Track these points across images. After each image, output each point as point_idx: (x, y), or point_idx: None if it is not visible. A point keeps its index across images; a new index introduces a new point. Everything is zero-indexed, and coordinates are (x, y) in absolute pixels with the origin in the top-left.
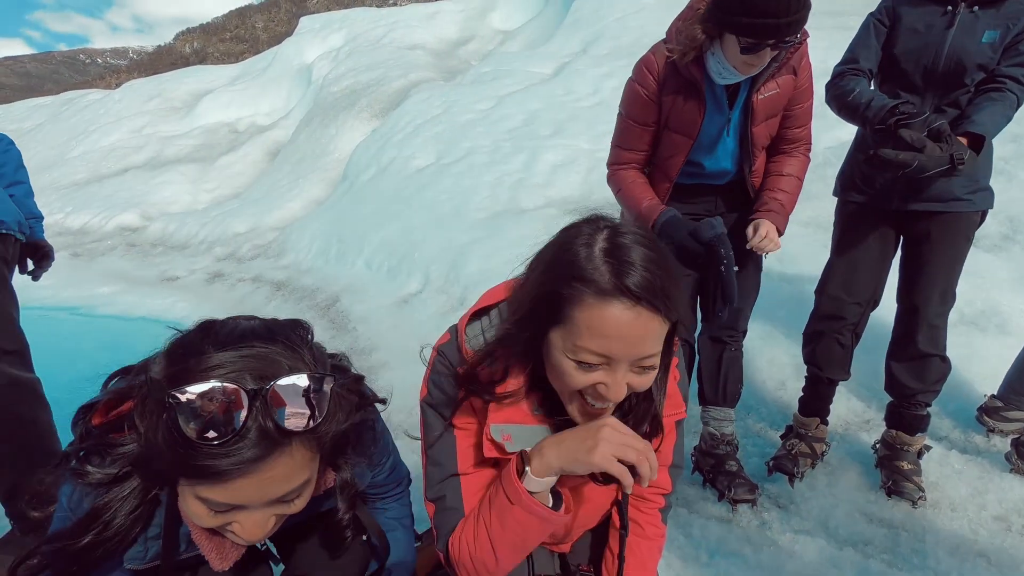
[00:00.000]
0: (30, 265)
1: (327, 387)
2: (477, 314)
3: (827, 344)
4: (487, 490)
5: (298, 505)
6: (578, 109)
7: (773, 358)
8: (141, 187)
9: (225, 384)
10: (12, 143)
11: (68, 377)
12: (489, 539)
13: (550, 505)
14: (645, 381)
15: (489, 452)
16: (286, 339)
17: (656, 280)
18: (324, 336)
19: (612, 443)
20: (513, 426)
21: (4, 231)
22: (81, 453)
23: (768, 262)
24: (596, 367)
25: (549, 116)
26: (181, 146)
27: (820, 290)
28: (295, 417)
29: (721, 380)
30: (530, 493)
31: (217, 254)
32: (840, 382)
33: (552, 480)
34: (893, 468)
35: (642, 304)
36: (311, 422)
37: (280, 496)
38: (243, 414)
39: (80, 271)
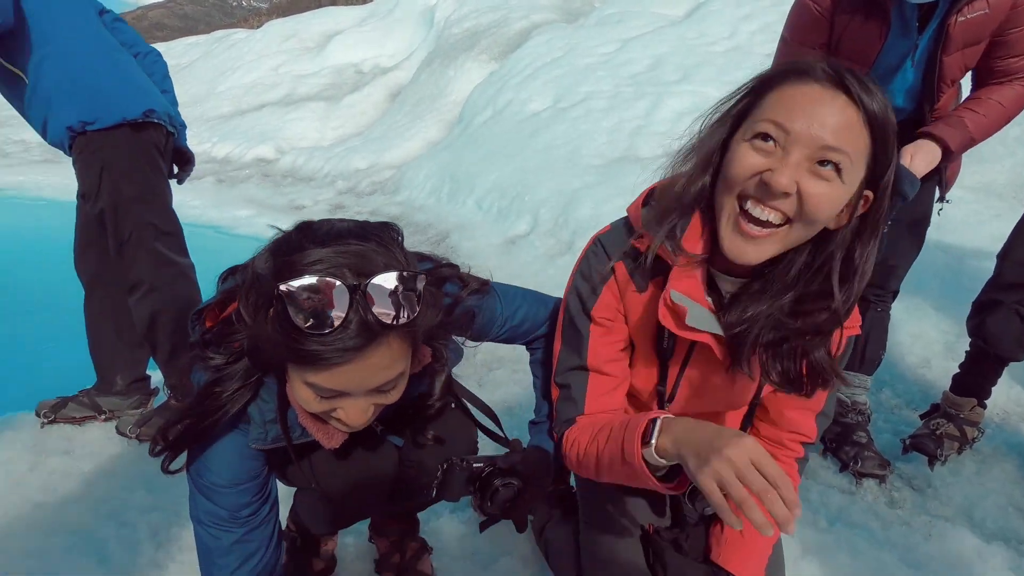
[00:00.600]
0: (174, 169)
1: (420, 284)
2: (648, 199)
3: (1004, 316)
4: (613, 396)
5: (394, 396)
6: (710, 54)
7: (919, 333)
8: (276, 122)
9: (328, 278)
10: (160, 55)
11: (209, 284)
12: (596, 463)
13: (661, 473)
14: (819, 194)
15: (665, 319)
16: (379, 238)
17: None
18: None
19: (732, 463)
20: (691, 301)
21: (156, 120)
22: (203, 343)
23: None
24: (768, 143)
25: (676, 61)
26: (311, 85)
27: (1004, 254)
28: (390, 312)
29: (861, 341)
30: (645, 462)
31: (339, 187)
32: (1008, 363)
33: (668, 464)
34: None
35: (841, 91)
36: (405, 317)
37: (378, 385)
38: (345, 307)
39: (223, 195)
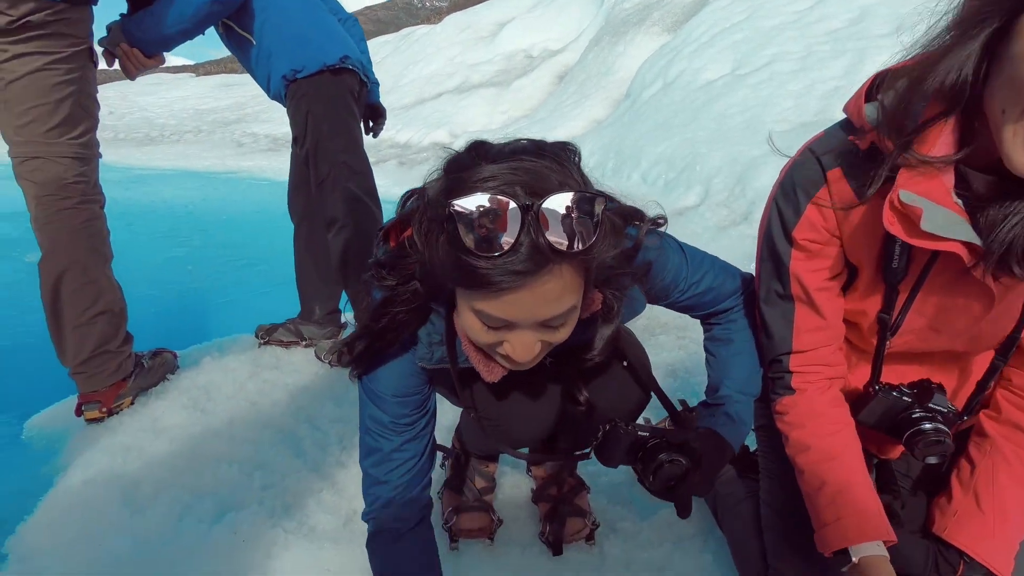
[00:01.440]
0: (368, 123)
1: (598, 208)
2: (873, 89)
3: None
4: (824, 334)
5: (563, 334)
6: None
7: None
8: (450, 109)
9: (499, 197)
10: (357, 21)
11: None
12: (802, 479)
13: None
14: None
15: (892, 225)
16: (555, 156)
17: None
18: None
19: None
20: (929, 202)
21: (350, 66)
22: (379, 264)
23: None
24: None
25: (888, 11)
26: (484, 72)
27: None
28: (565, 236)
29: None
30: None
31: None
32: None
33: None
34: None
35: None
36: (579, 244)
37: (548, 318)
38: (516, 228)
39: (404, 175)
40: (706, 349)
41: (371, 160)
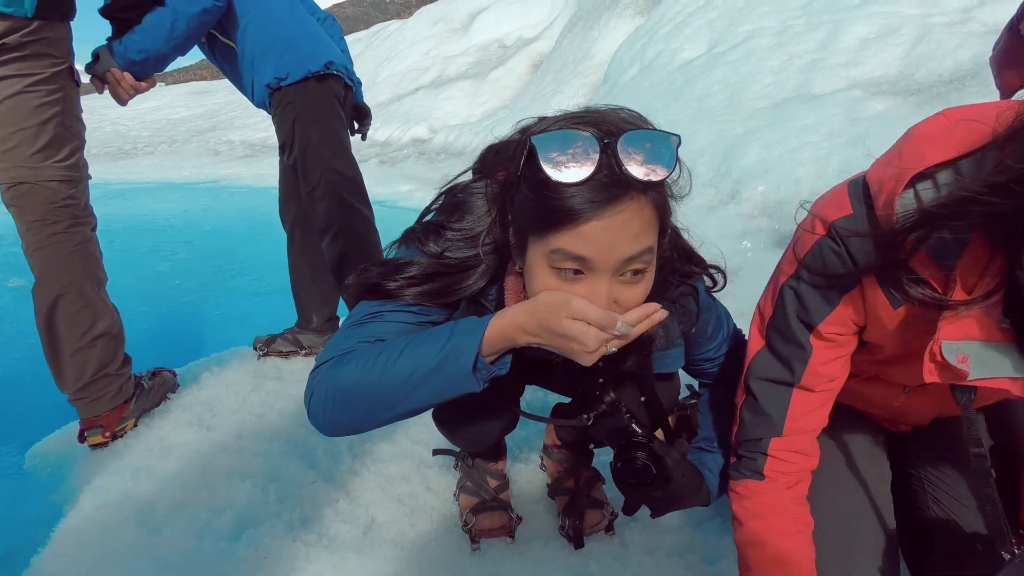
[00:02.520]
0: (354, 124)
1: (673, 143)
2: (918, 178)
3: None
4: (818, 414)
5: (638, 292)
6: None
7: None
8: (428, 104)
9: (578, 130)
10: (335, 20)
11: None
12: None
13: None
14: None
15: (931, 375)
16: (632, 114)
17: None
18: None
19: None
20: (975, 344)
21: (335, 71)
22: (422, 230)
23: None
24: None
25: None
26: (459, 64)
27: None
28: (643, 167)
29: None
30: None
31: None
32: None
33: None
34: None
35: None
36: (657, 175)
37: (627, 256)
38: (596, 158)
39: (386, 173)
40: (705, 409)
41: None
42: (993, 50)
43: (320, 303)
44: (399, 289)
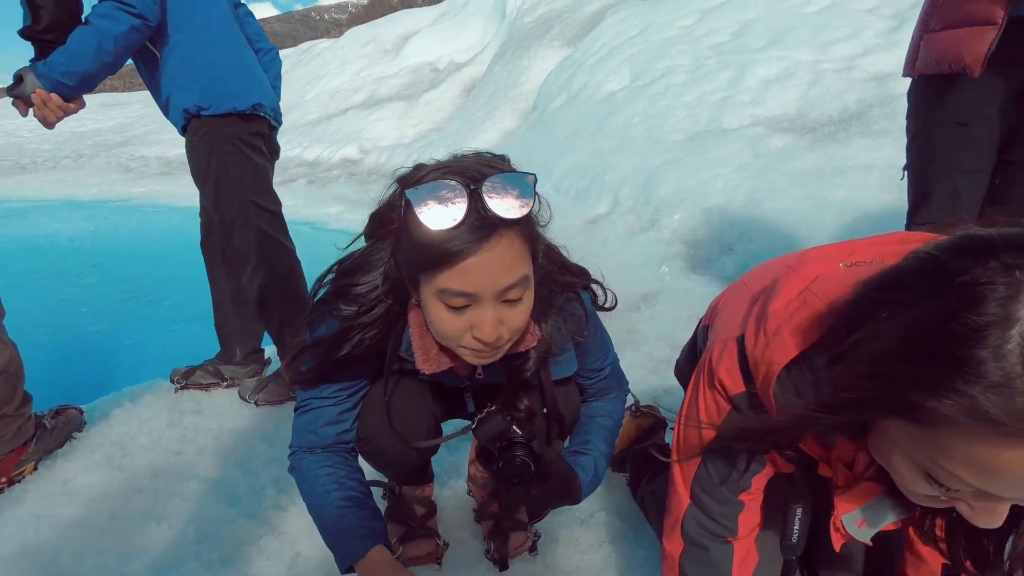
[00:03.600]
0: None
1: (530, 181)
2: (791, 365)
3: None
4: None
5: (520, 313)
6: (803, 16)
7: None
8: (359, 124)
9: (446, 180)
10: (278, 54)
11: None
12: None
13: None
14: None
15: (839, 543)
16: (493, 158)
17: None
18: None
19: None
20: (869, 507)
21: (262, 113)
22: (332, 297)
23: None
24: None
25: (765, 25)
26: (391, 86)
27: None
28: (506, 204)
29: None
30: None
31: None
32: None
33: None
34: None
35: None
36: (520, 209)
37: (504, 286)
38: (464, 204)
39: (315, 194)
40: (586, 412)
41: (279, 180)
42: None
43: (244, 336)
44: (315, 381)
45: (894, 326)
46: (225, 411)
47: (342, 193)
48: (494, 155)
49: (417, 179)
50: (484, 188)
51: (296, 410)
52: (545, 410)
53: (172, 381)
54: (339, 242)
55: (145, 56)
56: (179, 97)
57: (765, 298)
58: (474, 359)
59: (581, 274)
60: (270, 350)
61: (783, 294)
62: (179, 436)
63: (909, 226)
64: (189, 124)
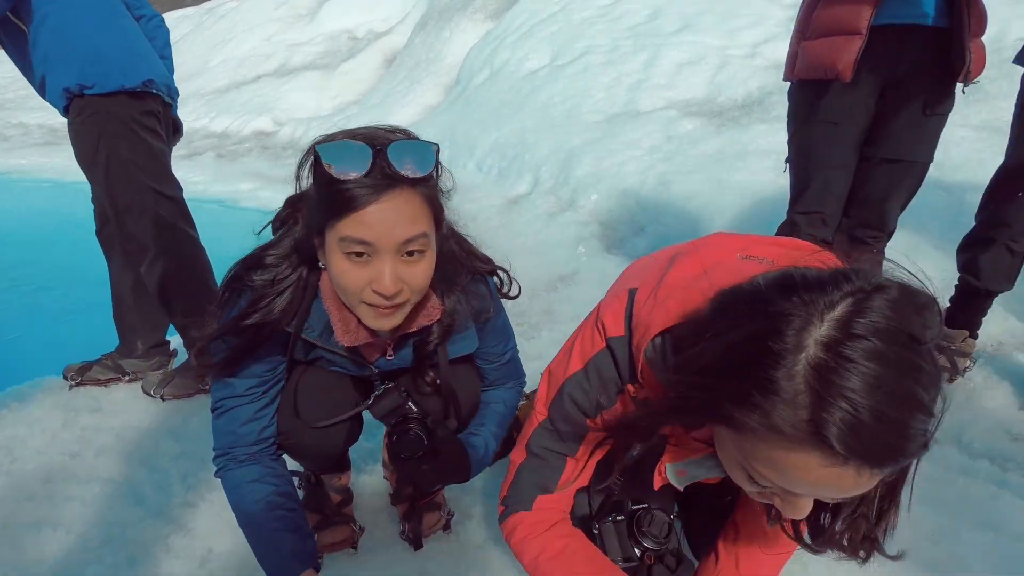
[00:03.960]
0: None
1: (433, 149)
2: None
3: (995, 252)
4: (582, 477)
5: (421, 272)
6: (711, 1)
7: (918, 272)
8: (272, 94)
9: (353, 139)
10: (163, 21)
11: (223, 255)
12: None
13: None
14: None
15: (658, 484)
16: (401, 130)
17: (884, 434)
18: None
19: None
20: (691, 461)
21: (154, 91)
22: (244, 270)
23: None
24: (769, 488)
25: (676, 10)
26: (306, 53)
27: (990, 195)
28: (409, 164)
29: None
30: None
31: None
32: (998, 295)
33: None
34: None
35: (851, 464)
36: (421, 170)
37: (404, 239)
38: (368, 159)
39: (225, 169)
40: (485, 399)
41: (184, 153)
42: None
43: (146, 328)
44: (227, 367)
45: (718, 345)
46: (127, 408)
47: (255, 168)
48: (404, 129)
49: (326, 140)
50: (389, 149)
51: (213, 412)
52: (439, 382)
53: (65, 378)
54: (252, 221)
55: (10, 31)
56: (56, 76)
57: (666, 268)
58: (376, 321)
59: (487, 261)
60: (176, 341)
61: (681, 268)
62: (76, 437)
63: (790, 213)
64: (71, 105)
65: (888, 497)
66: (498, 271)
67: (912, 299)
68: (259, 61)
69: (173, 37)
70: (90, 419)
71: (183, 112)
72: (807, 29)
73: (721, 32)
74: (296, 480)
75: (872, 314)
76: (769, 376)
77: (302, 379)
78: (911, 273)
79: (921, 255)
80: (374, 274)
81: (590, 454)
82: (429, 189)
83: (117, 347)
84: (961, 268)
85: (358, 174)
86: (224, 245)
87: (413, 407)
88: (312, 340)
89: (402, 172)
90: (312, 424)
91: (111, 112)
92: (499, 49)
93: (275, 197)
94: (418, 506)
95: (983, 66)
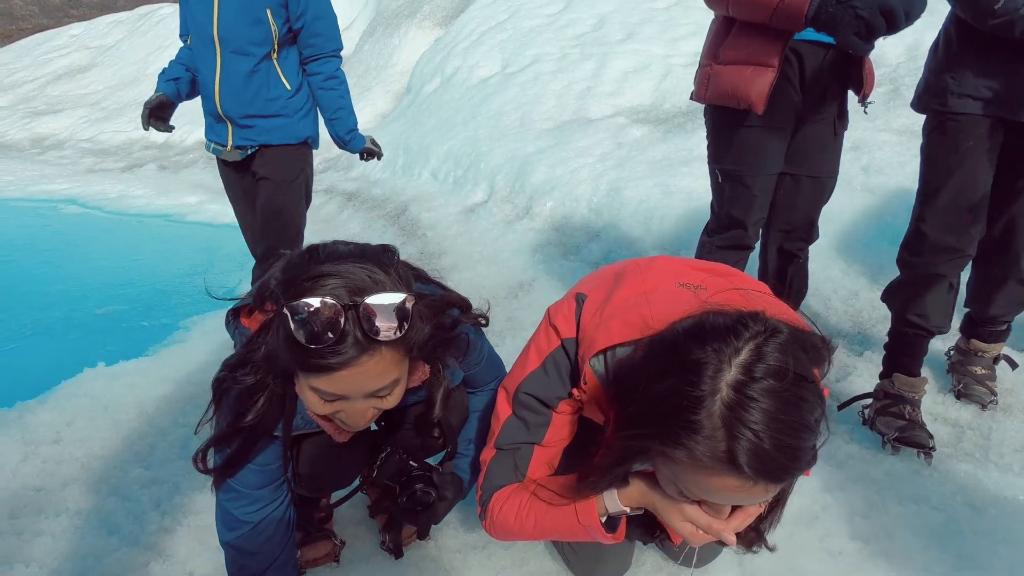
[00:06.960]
0: None
1: (408, 305)
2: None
3: (942, 292)
4: (553, 462)
5: (391, 401)
6: (653, 11)
7: (847, 267)
8: None
9: (326, 299)
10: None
11: (169, 273)
12: (534, 528)
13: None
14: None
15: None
16: (377, 261)
17: (781, 457)
18: (396, 242)
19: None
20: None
21: None
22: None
23: (851, 172)
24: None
25: (620, 19)
26: None
27: (920, 216)
28: (382, 327)
29: (785, 290)
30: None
31: None
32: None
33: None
34: (965, 372)
35: (760, 482)
36: (396, 333)
37: (374, 391)
38: (340, 324)
39: (168, 182)
40: (472, 408)
41: (124, 165)
42: None
43: None
44: (231, 468)
45: (649, 398)
46: (89, 436)
47: (200, 180)
48: (382, 253)
49: (298, 282)
50: (362, 310)
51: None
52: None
53: None
54: (199, 235)
55: None
56: None
57: (612, 286)
58: (342, 433)
59: (465, 308)
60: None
61: (627, 288)
62: (38, 470)
63: (741, 227)
64: None
65: (777, 500)
66: (479, 319)
67: (800, 341)
68: None
69: (106, 43)
70: (51, 450)
71: (123, 120)
72: (719, 52)
73: (663, 41)
74: None
75: (768, 359)
76: (692, 419)
77: (302, 453)
78: (806, 316)
79: (851, 253)
80: (344, 410)
81: (558, 438)
82: (404, 341)
83: None
84: (901, 309)
85: (329, 344)
86: (172, 262)
87: (414, 464)
88: (304, 431)
89: (377, 338)
90: (332, 504)
91: None
92: (449, 56)
93: (223, 210)
94: (397, 516)
95: (873, 84)
